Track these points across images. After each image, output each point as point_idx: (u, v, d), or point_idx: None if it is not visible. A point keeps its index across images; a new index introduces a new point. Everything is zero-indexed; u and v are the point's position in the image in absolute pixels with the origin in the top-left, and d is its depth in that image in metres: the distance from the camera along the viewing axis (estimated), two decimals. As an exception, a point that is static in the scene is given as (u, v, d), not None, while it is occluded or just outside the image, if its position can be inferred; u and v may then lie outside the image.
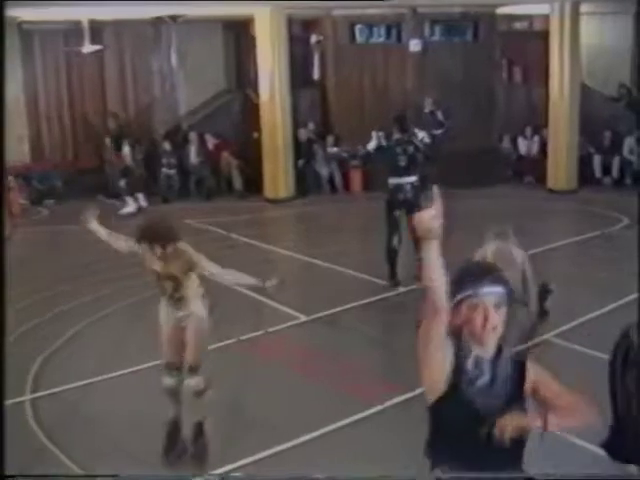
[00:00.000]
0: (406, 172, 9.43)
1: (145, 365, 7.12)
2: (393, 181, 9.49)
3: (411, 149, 9.46)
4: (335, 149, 15.02)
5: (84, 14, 15.14)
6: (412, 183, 9.42)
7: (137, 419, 6.15)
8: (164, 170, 15.88)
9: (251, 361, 7.43)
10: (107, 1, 13.47)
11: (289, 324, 8.39)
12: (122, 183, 14.98)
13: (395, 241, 9.52)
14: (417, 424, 5.89)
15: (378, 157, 10.07)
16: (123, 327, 8.41)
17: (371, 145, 10.05)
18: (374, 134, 10.04)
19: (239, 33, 17.37)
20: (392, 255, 9.61)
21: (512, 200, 15.01)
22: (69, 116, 16.63)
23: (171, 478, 5.45)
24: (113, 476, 5.17)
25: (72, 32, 15.95)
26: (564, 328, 7.92)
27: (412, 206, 9.05)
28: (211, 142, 16.30)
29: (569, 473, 5.05)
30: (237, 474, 5.39)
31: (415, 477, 5.14)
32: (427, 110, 9.04)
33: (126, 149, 15.18)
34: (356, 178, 16.27)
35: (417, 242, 8.72)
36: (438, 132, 9.61)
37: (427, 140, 9.83)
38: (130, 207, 14.49)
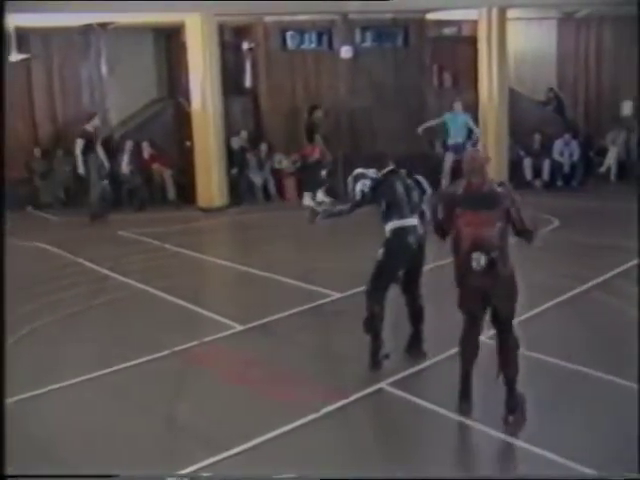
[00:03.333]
0: (411, 211, 7.08)
1: (79, 379, 7.03)
2: (398, 224, 7.03)
3: (412, 185, 7.19)
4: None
5: (10, 21, 14.83)
6: (417, 226, 7.10)
7: (72, 433, 6.08)
8: (95, 180, 15.62)
9: (186, 372, 7.34)
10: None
11: (224, 334, 8.28)
12: (323, 174, 15.56)
13: (383, 304, 7.15)
14: (353, 429, 6.04)
15: (374, 198, 7.12)
16: (55, 341, 8.25)
17: (363, 186, 7.14)
18: (361, 171, 7.25)
19: (170, 40, 17.23)
20: (379, 322, 7.16)
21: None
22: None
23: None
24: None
25: (-3, 40, 15.61)
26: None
27: (419, 259, 7.17)
28: (147, 151, 16.11)
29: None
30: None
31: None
32: None
33: (319, 140, 15.62)
34: (290, 186, 16.25)
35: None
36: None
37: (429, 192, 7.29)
38: (307, 200, 15.12)
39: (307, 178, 15.71)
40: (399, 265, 7.12)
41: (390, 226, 7.05)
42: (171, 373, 7.27)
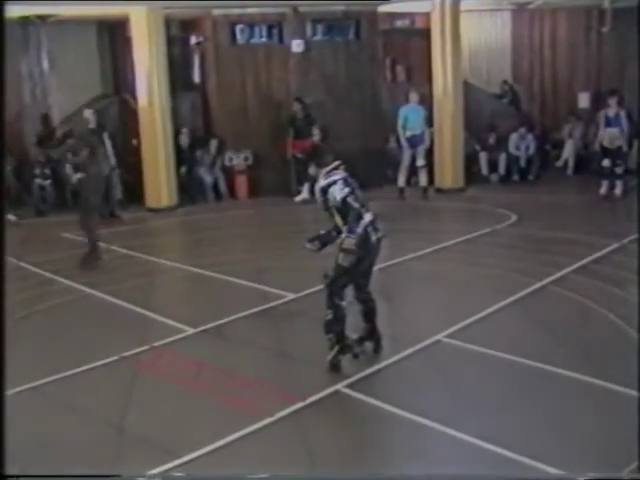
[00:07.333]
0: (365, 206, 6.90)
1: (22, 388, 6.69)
2: (365, 221, 6.77)
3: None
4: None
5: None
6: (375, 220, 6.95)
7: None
8: (37, 181, 15.11)
9: (136, 378, 7.04)
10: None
11: (175, 338, 8.00)
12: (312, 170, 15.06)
13: (344, 304, 6.95)
14: (309, 433, 5.71)
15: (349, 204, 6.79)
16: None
17: (343, 193, 6.76)
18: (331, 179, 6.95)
19: (115, 34, 16.76)
20: (342, 323, 6.96)
21: (399, 201, 14.97)
22: None
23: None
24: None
25: None
26: (457, 327, 7.80)
27: (376, 253, 7.04)
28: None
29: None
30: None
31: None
32: None
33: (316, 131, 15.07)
34: (241, 184, 15.91)
35: None
36: None
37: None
38: (304, 194, 14.75)
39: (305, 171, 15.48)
40: (365, 262, 6.92)
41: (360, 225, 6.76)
42: (121, 380, 6.99)
